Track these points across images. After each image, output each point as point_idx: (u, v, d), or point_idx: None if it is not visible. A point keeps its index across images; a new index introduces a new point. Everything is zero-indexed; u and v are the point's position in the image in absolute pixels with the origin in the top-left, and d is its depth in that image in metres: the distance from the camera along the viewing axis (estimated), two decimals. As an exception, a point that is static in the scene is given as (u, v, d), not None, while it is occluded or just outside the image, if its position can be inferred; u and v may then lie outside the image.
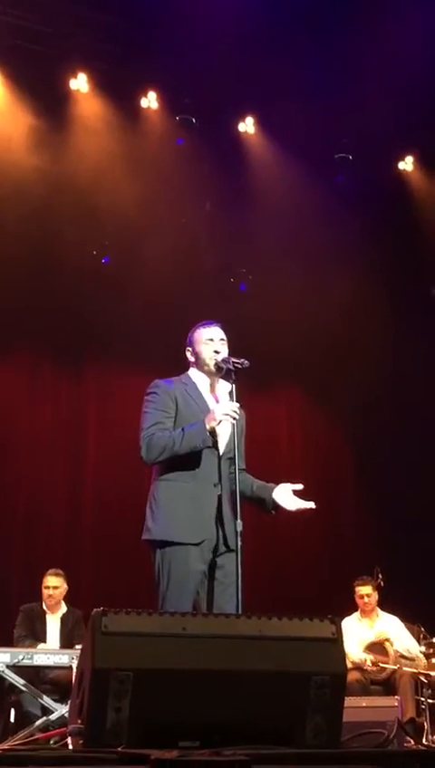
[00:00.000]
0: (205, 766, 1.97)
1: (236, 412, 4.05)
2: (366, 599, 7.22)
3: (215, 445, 4.16)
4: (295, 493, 4.23)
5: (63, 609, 7.08)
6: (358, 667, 6.74)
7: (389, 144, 9.06)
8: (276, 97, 8.46)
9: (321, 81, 7.96)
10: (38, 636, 6.85)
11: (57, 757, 2.51)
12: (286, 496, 4.22)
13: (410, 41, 7.61)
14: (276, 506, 4.24)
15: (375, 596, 7.26)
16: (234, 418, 4.05)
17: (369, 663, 6.73)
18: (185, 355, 4.44)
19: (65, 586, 7.10)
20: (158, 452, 4.08)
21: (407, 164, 9.41)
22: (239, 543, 3.97)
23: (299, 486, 4.24)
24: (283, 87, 8.23)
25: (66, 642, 6.81)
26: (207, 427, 4.04)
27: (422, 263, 9.49)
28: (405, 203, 9.39)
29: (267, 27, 7.73)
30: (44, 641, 6.83)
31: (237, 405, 4.09)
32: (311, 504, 4.20)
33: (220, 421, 4.05)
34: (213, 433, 4.10)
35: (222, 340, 4.36)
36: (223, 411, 4.05)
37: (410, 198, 9.41)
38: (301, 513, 4.24)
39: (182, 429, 4.09)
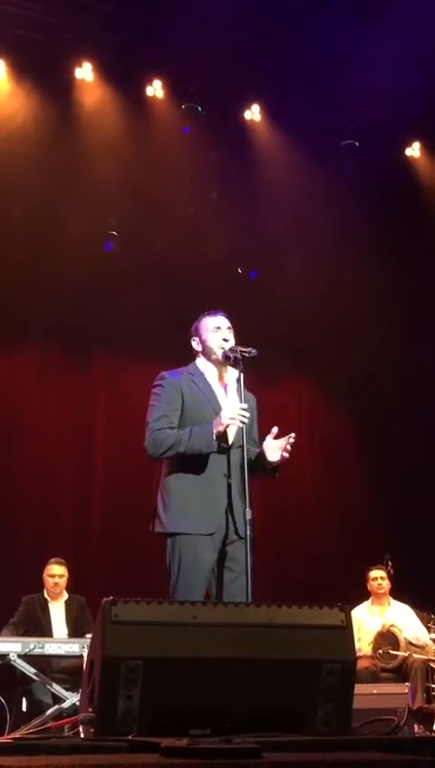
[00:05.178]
0: (215, 754, 1.98)
1: (243, 415, 4.04)
2: (380, 580, 7.27)
3: (225, 436, 4.15)
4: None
5: (65, 595, 7.13)
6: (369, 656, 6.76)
7: (396, 130, 9.00)
8: (283, 84, 8.41)
9: (327, 67, 7.90)
10: (42, 625, 6.85)
11: (68, 745, 2.52)
12: (271, 450, 4.18)
13: (419, 24, 7.56)
14: (273, 466, 4.21)
15: (388, 582, 7.29)
16: (242, 422, 4.05)
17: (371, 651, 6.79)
18: (191, 345, 4.45)
19: (67, 574, 7.16)
20: (163, 449, 4.12)
21: (414, 150, 9.35)
22: (248, 532, 3.98)
23: (275, 431, 4.18)
24: (289, 74, 8.19)
25: (73, 628, 6.86)
26: (215, 431, 4.06)
27: (429, 250, 9.45)
28: (412, 189, 9.34)
29: (273, 13, 7.69)
30: (50, 629, 6.85)
31: (245, 405, 4.08)
32: (289, 437, 4.14)
33: (228, 425, 4.07)
34: (221, 437, 4.09)
35: (229, 328, 4.39)
36: (229, 415, 4.05)
37: (416, 185, 9.36)
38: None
39: (190, 430, 4.10)
